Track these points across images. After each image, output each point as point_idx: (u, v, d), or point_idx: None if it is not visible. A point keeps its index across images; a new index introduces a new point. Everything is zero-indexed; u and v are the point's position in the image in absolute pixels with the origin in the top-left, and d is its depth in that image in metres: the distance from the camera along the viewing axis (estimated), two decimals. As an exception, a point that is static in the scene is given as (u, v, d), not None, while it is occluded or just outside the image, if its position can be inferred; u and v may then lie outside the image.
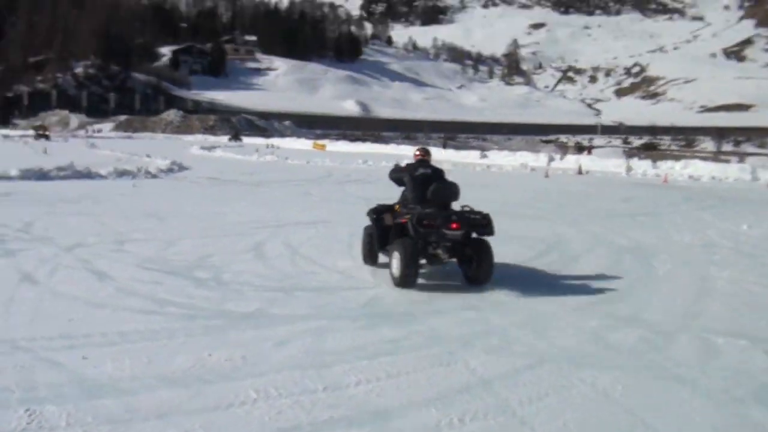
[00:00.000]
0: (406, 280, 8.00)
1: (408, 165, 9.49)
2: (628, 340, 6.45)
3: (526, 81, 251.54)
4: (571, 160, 41.65)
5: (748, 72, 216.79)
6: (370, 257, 9.42)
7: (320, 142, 66.93)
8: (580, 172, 34.83)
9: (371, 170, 33.09)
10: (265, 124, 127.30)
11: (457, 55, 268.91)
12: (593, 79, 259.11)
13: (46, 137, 67.43)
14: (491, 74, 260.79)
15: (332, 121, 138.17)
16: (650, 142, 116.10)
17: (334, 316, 6.94)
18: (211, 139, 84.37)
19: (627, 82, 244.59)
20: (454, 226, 7.96)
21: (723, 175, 34.77)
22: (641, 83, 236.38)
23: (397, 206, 9.05)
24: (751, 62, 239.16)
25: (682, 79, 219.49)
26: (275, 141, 75.33)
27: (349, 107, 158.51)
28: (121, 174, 23.87)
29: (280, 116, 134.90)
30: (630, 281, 9.09)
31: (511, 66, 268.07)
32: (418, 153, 9.52)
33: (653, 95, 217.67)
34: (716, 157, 68.54)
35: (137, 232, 12.31)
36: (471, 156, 50.30)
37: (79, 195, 18.25)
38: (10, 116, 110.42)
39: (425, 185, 8.64)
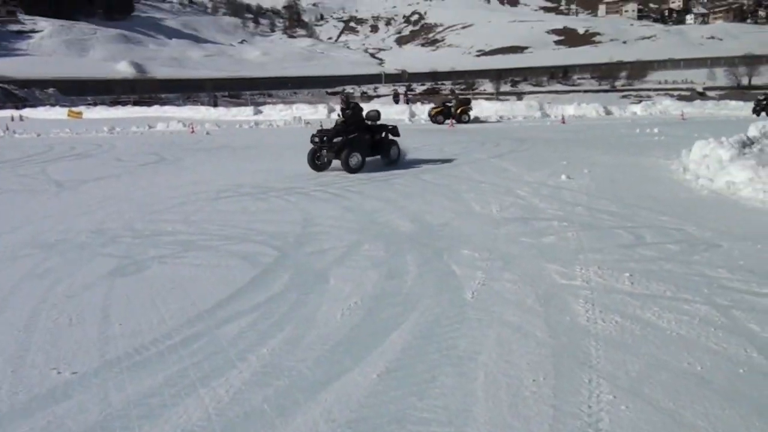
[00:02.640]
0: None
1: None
2: None
3: (309, 33, 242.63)
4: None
5: (522, 16, 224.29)
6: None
7: (75, 109, 57.62)
8: (360, 121, 30.49)
9: (111, 138, 26.64)
10: (25, 93, 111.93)
11: (236, 8, 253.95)
12: (375, 29, 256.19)
13: None
14: (273, 27, 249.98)
15: (104, 85, 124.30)
16: (432, 87, 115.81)
17: None
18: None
19: (407, 31, 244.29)
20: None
21: (510, 113, 32.10)
22: (420, 31, 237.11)
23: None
24: (523, 6, 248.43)
25: (459, 25, 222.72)
26: (26, 112, 64.72)
27: (123, 69, 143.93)
28: None
29: (44, 83, 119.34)
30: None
31: (293, 18, 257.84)
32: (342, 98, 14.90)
33: (433, 42, 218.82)
34: (497, 97, 68.08)
35: None
36: (244, 112, 44.69)
37: None
38: None
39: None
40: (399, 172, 13.13)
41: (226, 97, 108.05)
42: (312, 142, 13.65)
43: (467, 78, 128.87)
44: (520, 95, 76.04)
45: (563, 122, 27.87)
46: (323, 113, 38.32)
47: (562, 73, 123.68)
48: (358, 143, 13.62)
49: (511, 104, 35.92)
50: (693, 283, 5.48)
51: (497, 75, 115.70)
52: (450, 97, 30.50)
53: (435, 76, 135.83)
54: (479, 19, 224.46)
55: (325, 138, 13.44)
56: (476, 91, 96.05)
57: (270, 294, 5.49)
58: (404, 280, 5.82)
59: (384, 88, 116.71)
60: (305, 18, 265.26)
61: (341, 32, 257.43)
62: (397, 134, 14.97)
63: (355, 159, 13.35)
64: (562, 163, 13.52)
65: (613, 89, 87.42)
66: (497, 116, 31.55)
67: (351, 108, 13.94)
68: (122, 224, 8.79)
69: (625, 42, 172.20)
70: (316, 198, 10.40)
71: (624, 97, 64.88)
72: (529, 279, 5.74)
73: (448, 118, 28.92)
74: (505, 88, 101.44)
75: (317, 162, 13.68)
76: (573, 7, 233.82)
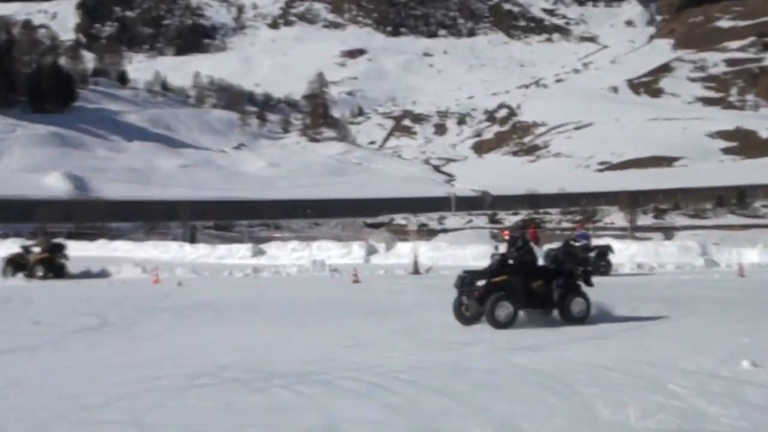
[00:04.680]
0: None
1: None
2: None
3: (340, 135, 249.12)
4: (405, 251, 37.89)
5: (668, 111, 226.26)
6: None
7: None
8: (416, 271, 31.07)
9: (26, 289, 27.29)
10: None
11: (232, 98, 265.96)
12: (441, 130, 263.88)
13: None
14: (287, 126, 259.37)
15: (22, 206, 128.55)
16: (530, 218, 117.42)
17: None
18: None
19: (490, 132, 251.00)
20: None
21: (654, 259, 32.08)
22: (511, 132, 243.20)
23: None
24: (671, 97, 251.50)
25: (571, 125, 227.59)
26: None
27: (54, 184, 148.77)
28: None
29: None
30: None
31: (317, 113, 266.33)
32: (506, 232, 17.92)
33: (530, 149, 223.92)
34: (631, 235, 68.29)
35: None
36: (238, 253, 45.71)
37: None
38: None
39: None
40: (474, 349, 13.02)
41: (211, 229, 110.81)
42: (455, 285, 15.99)
43: (585, 204, 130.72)
44: (668, 231, 76.31)
45: (741, 275, 27.73)
46: (359, 255, 38.95)
47: (736, 198, 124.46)
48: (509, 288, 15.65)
49: (656, 245, 36.01)
50: None
51: (632, 200, 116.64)
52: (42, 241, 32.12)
53: (534, 200, 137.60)
54: (601, 117, 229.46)
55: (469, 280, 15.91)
56: (597, 224, 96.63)
57: None
58: None
59: (454, 219, 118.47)
60: (336, 113, 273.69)
61: (390, 133, 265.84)
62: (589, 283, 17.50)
63: (504, 310, 15.43)
64: (743, 341, 13.34)
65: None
66: (633, 264, 31.58)
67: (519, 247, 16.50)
68: (31, 427, 8.68)
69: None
70: (344, 390, 10.26)
71: (837, 236, 64.71)
72: None
73: (21, 271, 30.80)
74: (645, 220, 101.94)
75: (465, 313, 16.05)
76: (750, 98, 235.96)
